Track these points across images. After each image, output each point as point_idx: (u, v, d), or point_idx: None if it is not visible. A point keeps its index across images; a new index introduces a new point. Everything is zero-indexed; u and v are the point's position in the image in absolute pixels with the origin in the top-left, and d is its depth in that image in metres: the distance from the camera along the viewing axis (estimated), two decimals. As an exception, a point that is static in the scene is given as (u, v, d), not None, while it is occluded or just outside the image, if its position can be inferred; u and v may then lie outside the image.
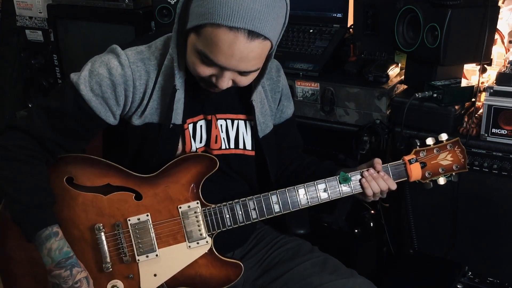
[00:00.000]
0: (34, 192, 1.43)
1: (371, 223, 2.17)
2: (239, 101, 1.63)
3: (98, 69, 1.46)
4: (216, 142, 1.60)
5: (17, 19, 3.04)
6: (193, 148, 1.58)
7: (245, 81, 1.43)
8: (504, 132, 1.85)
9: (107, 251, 1.51)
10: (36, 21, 2.98)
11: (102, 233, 1.51)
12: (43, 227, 1.42)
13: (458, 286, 1.83)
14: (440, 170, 1.60)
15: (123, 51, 1.48)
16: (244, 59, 1.34)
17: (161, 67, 1.49)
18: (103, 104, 1.48)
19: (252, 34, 1.30)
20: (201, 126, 1.59)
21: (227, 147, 1.62)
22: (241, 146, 1.64)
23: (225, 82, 1.40)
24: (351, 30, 2.42)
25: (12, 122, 1.52)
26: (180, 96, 1.49)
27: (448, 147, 1.60)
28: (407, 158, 1.58)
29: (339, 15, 2.39)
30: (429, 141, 1.60)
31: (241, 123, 1.64)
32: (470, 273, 1.90)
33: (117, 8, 2.69)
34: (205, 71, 1.39)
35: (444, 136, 1.60)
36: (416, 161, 1.58)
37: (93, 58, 1.51)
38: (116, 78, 1.45)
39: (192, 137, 1.58)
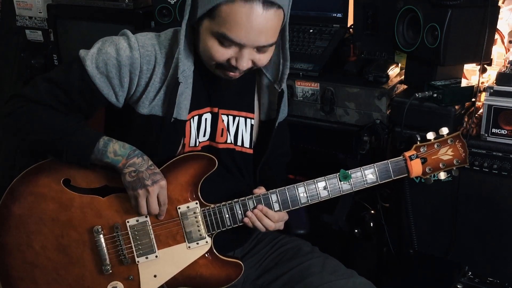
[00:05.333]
0: (62, 124, 1.48)
1: (371, 223, 2.17)
2: (242, 98, 1.64)
3: (107, 48, 1.48)
4: (221, 135, 1.61)
5: (17, 19, 3.03)
6: (193, 141, 1.58)
7: (263, 58, 1.46)
8: (504, 132, 1.85)
9: (106, 253, 1.52)
10: (36, 21, 2.98)
11: (101, 235, 1.51)
12: (95, 141, 1.47)
13: (458, 286, 1.83)
14: (440, 165, 1.60)
15: (133, 35, 1.50)
16: (262, 31, 1.37)
17: (171, 58, 1.50)
18: (107, 83, 1.49)
19: (267, 3, 1.33)
20: (206, 119, 1.59)
21: (232, 142, 1.63)
22: (239, 143, 1.64)
23: (245, 62, 1.41)
24: (351, 30, 2.42)
25: (17, 91, 1.54)
26: (184, 89, 1.50)
27: (449, 141, 1.60)
28: (407, 154, 1.58)
29: (339, 15, 2.38)
30: (430, 135, 1.60)
31: (242, 120, 1.65)
32: (470, 273, 1.90)
33: (117, 8, 2.69)
34: (224, 53, 1.41)
35: (444, 130, 1.60)
36: (417, 157, 1.58)
37: (105, 37, 1.54)
38: (123, 59, 1.47)
39: (196, 129, 1.58)
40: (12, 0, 3.02)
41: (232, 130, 1.64)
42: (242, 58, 1.41)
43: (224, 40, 1.38)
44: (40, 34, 3.00)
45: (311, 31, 2.39)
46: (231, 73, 1.47)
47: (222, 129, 1.61)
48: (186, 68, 1.48)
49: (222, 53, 1.41)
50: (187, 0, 1.43)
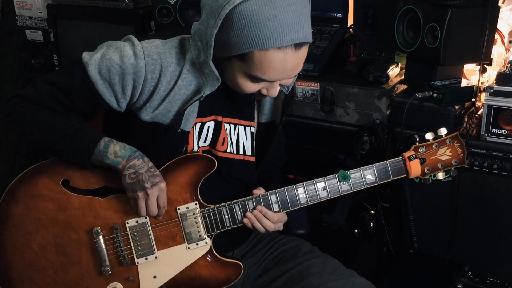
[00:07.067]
0: (63, 125, 1.48)
1: (371, 223, 2.17)
2: (244, 107, 1.64)
3: (111, 54, 1.46)
4: (223, 144, 1.60)
5: (17, 19, 3.03)
6: (195, 148, 1.58)
7: (290, 81, 1.48)
8: (504, 132, 1.85)
9: (106, 254, 1.51)
10: (36, 21, 2.98)
11: (100, 237, 1.51)
12: (96, 142, 1.47)
13: (458, 286, 1.83)
14: (439, 165, 1.60)
15: (139, 42, 1.47)
16: (295, 67, 1.40)
17: (179, 67, 1.48)
18: (109, 89, 1.47)
19: (298, 45, 1.34)
20: (208, 126, 1.59)
21: (232, 151, 1.63)
22: (241, 151, 1.64)
23: (276, 91, 1.45)
24: (351, 30, 2.42)
25: (18, 91, 1.54)
26: (196, 104, 1.50)
27: (447, 142, 1.60)
28: (406, 154, 1.58)
29: (339, 15, 2.38)
30: (428, 136, 1.60)
31: (241, 128, 1.65)
32: (470, 273, 1.91)
33: (117, 8, 2.69)
34: (255, 87, 1.43)
35: (443, 131, 1.60)
36: (416, 157, 1.58)
37: (109, 42, 1.51)
38: (127, 67, 1.44)
39: (198, 135, 1.58)
40: (12, 0, 3.02)
41: (234, 138, 1.64)
42: (273, 88, 1.44)
43: (257, 80, 1.40)
44: (40, 34, 3.00)
45: (311, 31, 2.39)
46: (258, 98, 1.52)
47: (224, 138, 1.60)
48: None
49: (253, 88, 1.43)
50: (208, 41, 1.37)
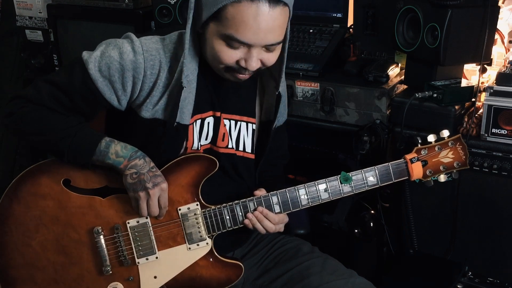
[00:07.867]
0: (64, 125, 1.48)
1: (371, 223, 2.17)
2: (244, 103, 1.64)
3: (110, 51, 1.47)
4: (223, 140, 1.61)
5: (17, 19, 3.04)
6: (195, 145, 1.58)
7: (272, 58, 1.45)
8: (504, 132, 1.85)
9: (106, 254, 1.52)
10: (36, 21, 2.99)
11: (101, 237, 1.51)
12: (97, 142, 1.47)
13: (458, 286, 1.83)
14: (441, 168, 1.60)
15: (138, 38, 1.49)
16: (270, 29, 1.37)
17: (176, 62, 1.49)
18: (109, 86, 1.48)
19: (273, 2, 1.33)
20: (208, 122, 1.59)
21: (233, 147, 1.63)
22: (241, 148, 1.64)
23: (254, 62, 1.41)
24: (351, 30, 2.42)
25: (18, 92, 1.54)
26: (187, 94, 1.49)
27: (449, 144, 1.60)
28: (408, 157, 1.58)
29: (339, 15, 2.38)
30: (431, 138, 1.60)
31: (243, 125, 1.65)
32: (470, 273, 1.90)
33: (117, 8, 2.70)
34: (232, 55, 1.40)
35: (445, 133, 1.60)
36: (418, 160, 1.58)
37: (108, 40, 1.52)
38: (126, 63, 1.45)
39: (199, 133, 1.58)
40: (12, 0, 3.02)
41: (234, 134, 1.64)
42: (251, 58, 1.41)
43: (232, 42, 1.38)
44: (40, 34, 3.00)
45: (311, 31, 2.39)
46: (241, 75, 1.47)
47: (224, 134, 1.61)
48: (189, 72, 1.48)
49: (230, 55, 1.41)
50: (189, 4, 1.42)
